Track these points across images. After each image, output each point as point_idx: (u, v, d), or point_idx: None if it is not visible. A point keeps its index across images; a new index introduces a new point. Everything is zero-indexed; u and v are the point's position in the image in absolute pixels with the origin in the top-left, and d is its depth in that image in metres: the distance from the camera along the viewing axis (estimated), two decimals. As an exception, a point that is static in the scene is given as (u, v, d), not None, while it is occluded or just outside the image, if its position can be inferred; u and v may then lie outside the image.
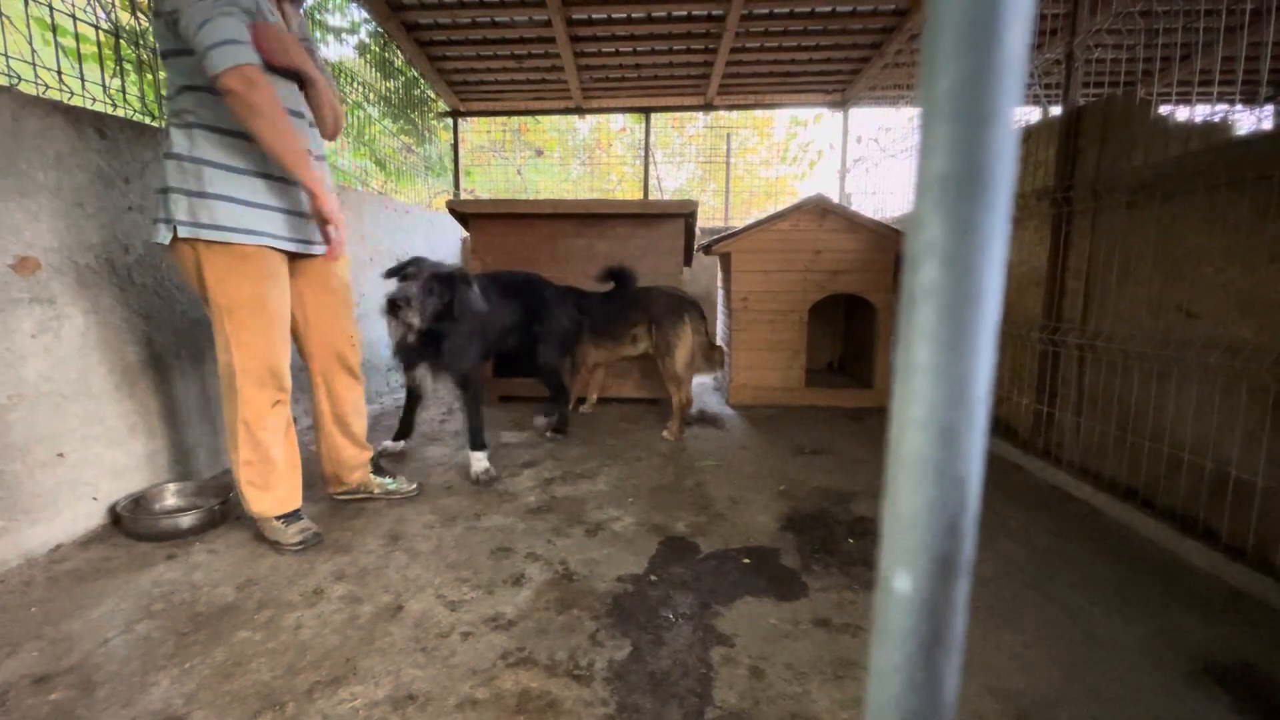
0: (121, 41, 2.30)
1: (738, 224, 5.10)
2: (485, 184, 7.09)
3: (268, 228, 1.69)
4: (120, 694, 1.21)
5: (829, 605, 1.54)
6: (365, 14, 4.29)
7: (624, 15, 4.08)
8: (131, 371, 2.03)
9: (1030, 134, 2.64)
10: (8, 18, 1.87)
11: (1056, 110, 2.54)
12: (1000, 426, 2.85)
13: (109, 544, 1.82)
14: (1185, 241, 1.93)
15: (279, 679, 1.26)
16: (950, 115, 0.21)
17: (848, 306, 4.22)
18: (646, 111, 5.70)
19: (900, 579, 0.23)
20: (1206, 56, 3.59)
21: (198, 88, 1.58)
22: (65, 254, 1.82)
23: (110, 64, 2.27)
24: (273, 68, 1.62)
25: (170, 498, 2.05)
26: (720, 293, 4.16)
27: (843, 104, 5.41)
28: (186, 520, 1.87)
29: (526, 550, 1.81)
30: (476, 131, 6.84)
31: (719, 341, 4.18)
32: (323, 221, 1.73)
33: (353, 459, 2.12)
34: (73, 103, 1.92)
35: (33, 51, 1.93)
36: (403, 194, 5.30)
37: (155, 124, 2.32)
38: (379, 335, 3.57)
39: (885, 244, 3.47)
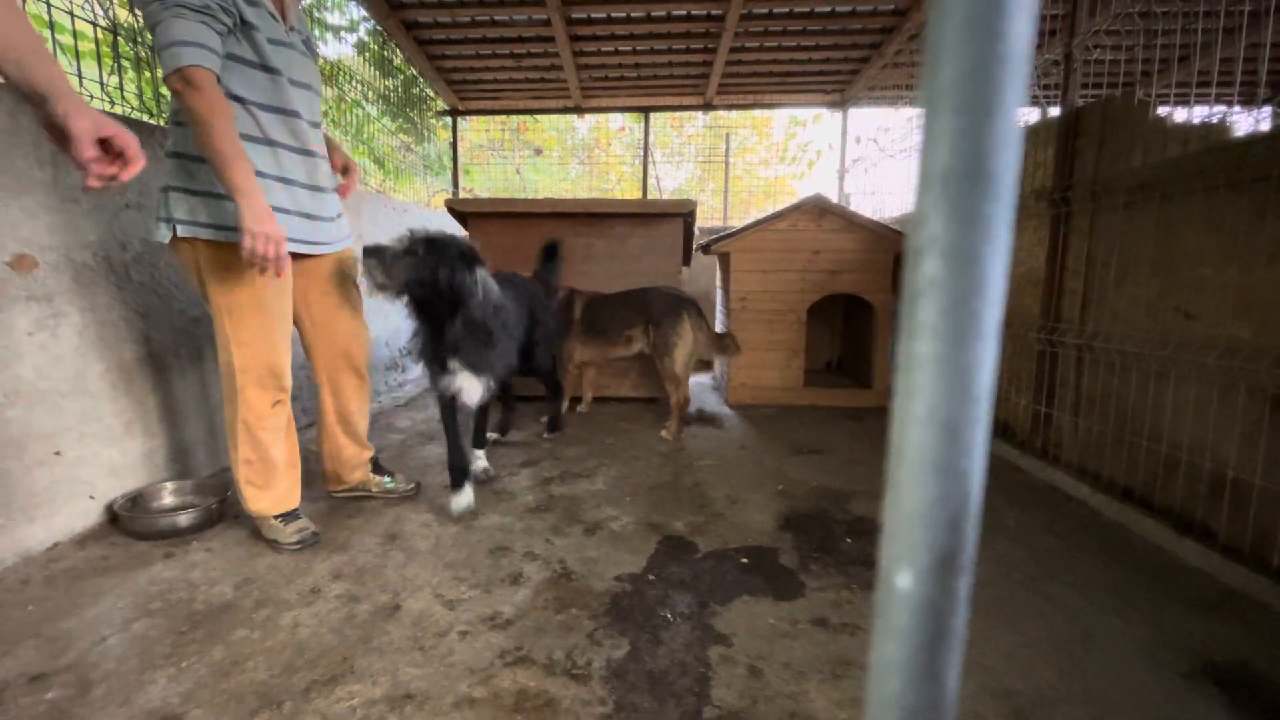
0: (119, 39, 2.29)
1: (736, 224, 5.10)
2: (484, 183, 7.08)
3: None
4: (117, 693, 1.21)
5: (827, 605, 1.54)
6: (364, 12, 4.28)
7: (623, 14, 4.08)
8: (129, 369, 2.03)
9: (1029, 135, 2.64)
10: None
11: (1055, 111, 2.54)
12: (998, 426, 2.86)
13: (106, 542, 1.82)
14: (1183, 242, 1.93)
15: (276, 678, 1.26)
16: (953, 108, 0.21)
17: (846, 306, 4.22)
18: (645, 111, 5.70)
19: (902, 576, 0.23)
20: (1205, 58, 3.60)
21: None
22: (62, 251, 1.82)
23: (108, 61, 2.26)
24: (251, 62, 1.60)
25: (168, 496, 2.05)
26: (719, 292, 4.16)
27: (842, 104, 5.42)
28: (184, 519, 1.87)
29: (524, 549, 1.81)
30: (475, 130, 6.84)
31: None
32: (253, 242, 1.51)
33: (354, 458, 2.12)
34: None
35: (30, 48, 1.92)
36: (401, 193, 5.29)
37: (154, 122, 2.32)
38: (377, 335, 3.57)
39: (884, 244, 3.47)
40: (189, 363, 2.27)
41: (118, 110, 2.18)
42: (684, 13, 4.06)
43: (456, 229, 4.93)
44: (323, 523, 1.96)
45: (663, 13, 4.06)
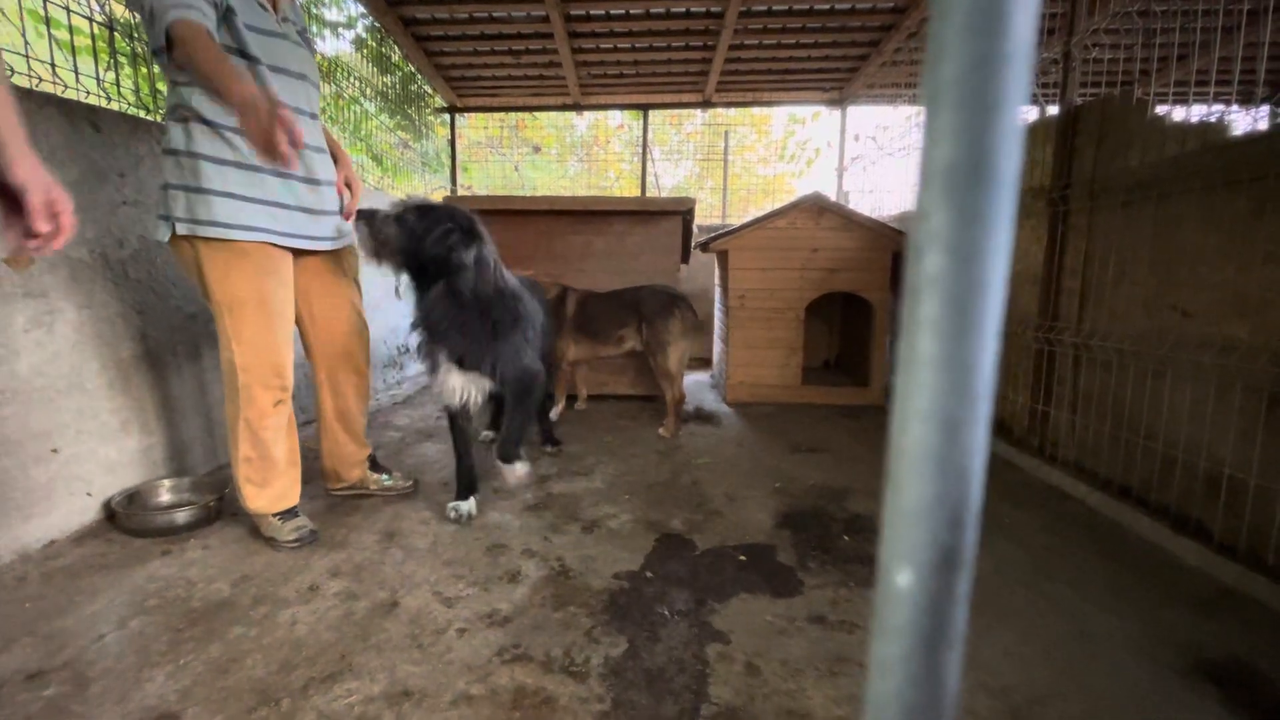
0: (116, 34, 2.28)
1: (735, 221, 5.10)
2: (482, 180, 7.07)
3: (267, 224, 1.68)
4: (114, 690, 1.21)
5: (825, 602, 1.54)
6: (362, 9, 4.26)
7: (622, 11, 4.07)
8: (125, 367, 2.02)
9: (1028, 133, 2.64)
10: (0, 10, 1.86)
11: (1054, 110, 2.54)
12: (996, 425, 2.86)
13: (103, 540, 1.81)
14: (1181, 241, 1.93)
15: (274, 675, 1.26)
16: (955, 104, 0.21)
17: (844, 305, 4.23)
18: (644, 108, 5.69)
19: (902, 573, 0.23)
20: (1203, 56, 3.60)
21: (193, 83, 1.56)
22: (59, 249, 1.81)
23: (104, 57, 2.25)
24: (232, 49, 1.58)
25: (165, 493, 2.04)
26: (717, 290, 4.16)
27: (840, 102, 5.41)
28: (181, 516, 1.87)
29: (522, 547, 1.81)
30: (474, 127, 6.82)
31: (716, 339, 4.19)
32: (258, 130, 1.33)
33: (353, 456, 2.11)
34: (66, 96, 1.91)
35: (25, 44, 1.91)
36: (399, 190, 5.28)
37: (150, 118, 2.31)
38: (375, 332, 3.56)
39: (882, 242, 3.47)
40: (186, 360, 2.26)
41: (115, 107, 2.17)
42: (683, 10, 4.05)
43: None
44: (321, 520, 1.95)
45: (662, 9, 4.05)
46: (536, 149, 7.77)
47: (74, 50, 2.08)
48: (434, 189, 5.81)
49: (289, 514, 1.82)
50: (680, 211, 3.51)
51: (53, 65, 1.97)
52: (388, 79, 4.99)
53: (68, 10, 2.06)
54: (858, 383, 3.78)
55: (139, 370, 2.07)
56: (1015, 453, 2.60)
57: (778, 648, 1.36)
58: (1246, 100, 3.33)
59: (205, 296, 1.69)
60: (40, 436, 1.75)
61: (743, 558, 1.77)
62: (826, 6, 4.02)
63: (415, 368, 4.38)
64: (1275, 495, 1.57)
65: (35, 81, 1.89)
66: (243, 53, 1.60)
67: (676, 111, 6.88)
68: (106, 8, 2.23)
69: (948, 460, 0.22)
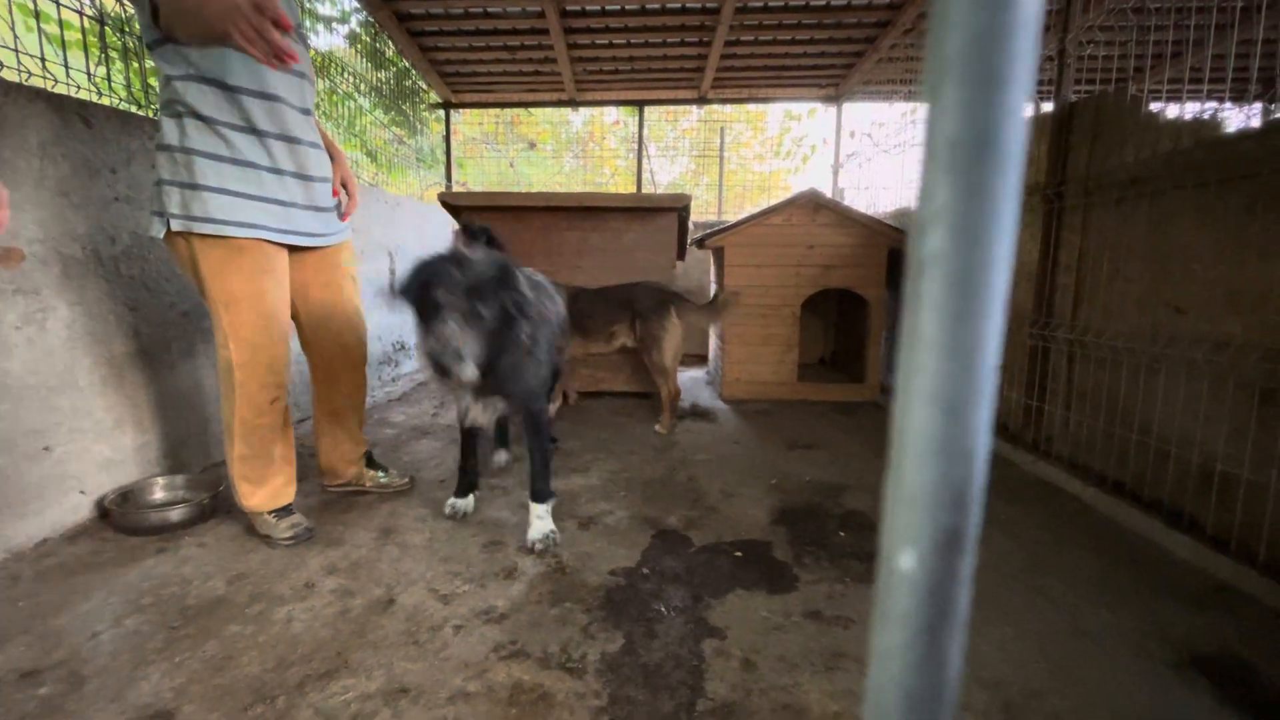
0: (106, 28, 2.26)
1: (731, 218, 5.10)
2: (478, 176, 7.04)
3: (263, 220, 1.67)
4: (109, 688, 1.20)
5: (820, 597, 1.55)
6: (356, 3, 4.24)
7: (618, 7, 4.06)
8: (119, 364, 2.01)
9: (1022, 130, 2.64)
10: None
11: (1049, 106, 2.55)
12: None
13: (97, 538, 1.80)
14: (1174, 238, 1.94)
15: (270, 672, 1.25)
16: (960, 78, 0.20)
17: (840, 301, 4.23)
18: (640, 105, 5.67)
19: (904, 557, 0.23)
20: (1197, 54, 3.61)
21: (187, 77, 1.55)
22: (50, 245, 1.79)
23: (95, 51, 2.23)
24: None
25: (159, 491, 2.03)
26: (713, 287, 4.16)
27: (836, 98, 5.41)
28: (175, 514, 1.86)
29: (518, 543, 1.81)
30: (469, 123, 6.79)
31: (711, 336, 4.19)
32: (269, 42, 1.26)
33: (349, 453, 2.11)
34: (56, 90, 1.89)
35: (15, 37, 1.90)
36: (394, 186, 5.26)
37: (142, 113, 2.29)
38: (372, 330, 3.55)
39: (877, 239, 3.47)
40: (180, 357, 2.25)
41: (105, 101, 2.15)
42: (679, 5, 4.04)
43: (448, 221, 4.92)
44: (317, 518, 1.95)
45: (657, 5, 4.04)
46: (532, 145, 7.75)
47: (64, 44, 2.06)
48: (429, 185, 5.79)
49: (284, 511, 1.82)
50: (676, 208, 3.51)
51: (42, 59, 1.95)
52: (382, 74, 4.96)
53: (57, 3, 2.04)
54: (853, 379, 3.79)
55: (132, 368, 2.06)
56: (1010, 448, 2.61)
57: (773, 643, 1.37)
58: (1239, 97, 3.34)
59: (200, 293, 1.68)
60: (32, 434, 1.74)
61: (739, 554, 1.77)
62: (822, 2, 4.02)
63: (411, 364, 4.37)
64: (1266, 490, 1.59)
65: (25, 76, 1.87)
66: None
67: (672, 108, 6.87)
68: (97, 1, 2.21)
69: (951, 442, 0.22)
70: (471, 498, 2.03)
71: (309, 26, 4.43)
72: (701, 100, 5.54)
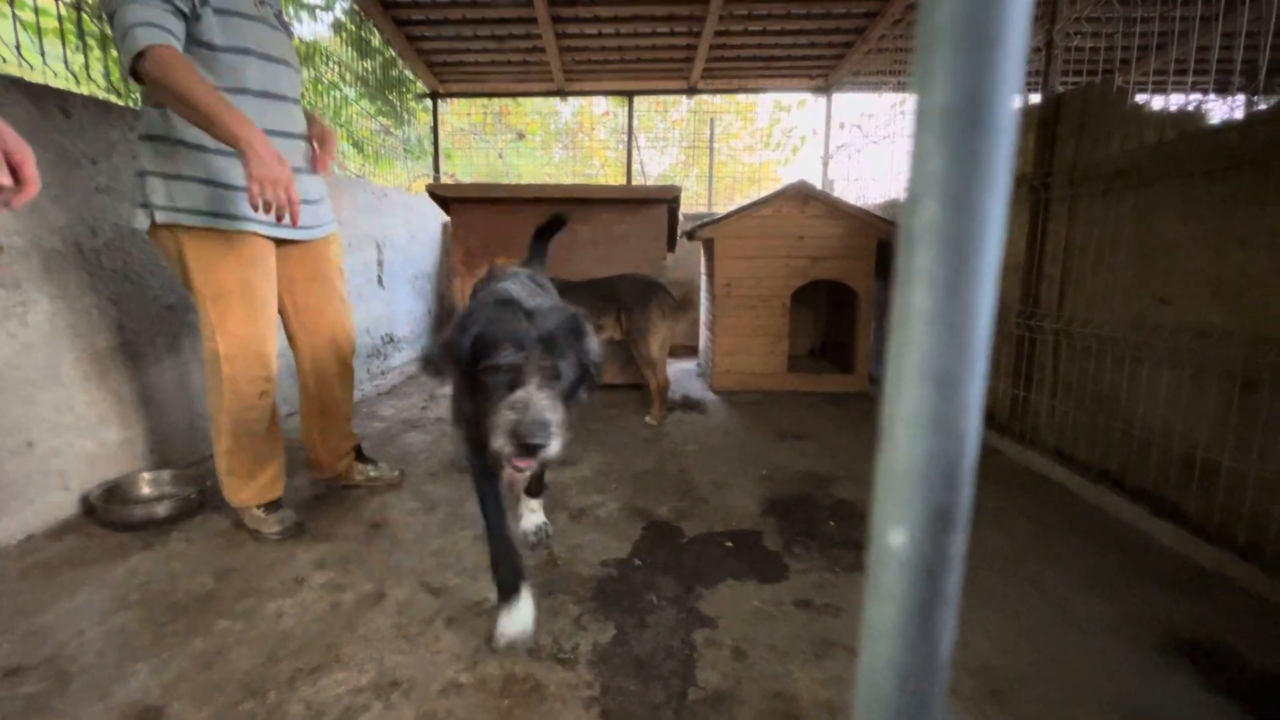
0: (84, 15, 2.21)
1: (721, 210, 5.09)
2: (466, 167, 6.98)
3: (252, 212, 1.64)
4: (96, 685, 1.19)
5: (810, 586, 1.56)
6: (340, -9, 4.18)
7: (607, -4, 4.02)
8: (102, 358, 1.98)
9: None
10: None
11: (1036, 98, 2.56)
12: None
13: (82, 534, 1.78)
14: (1159, 228, 1.96)
15: (260, 668, 1.25)
16: (952, 42, 0.20)
17: (829, 292, 4.25)
18: (630, 95, 5.64)
19: (895, 534, 0.23)
20: (1182, 45, 3.64)
21: None
22: (30, 237, 1.76)
23: (72, 39, 2.18)
24: (213, 44, 1.55)
25: (145, 486, 2.01)
26: (703, 279, 4.16)
27: (826, 89, 5.41)
28: (162, 509, 1.84)
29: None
30: (456, 114, 6.72)
31: (702, 327, 4.19)
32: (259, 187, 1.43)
33: (339, 446, 2.09)
34: (33, 79, 1.85)
35: (-11, 25, 1.85)
36: (381, 177, 5.20)
37: (122, 102, 2.25)
38: (360, 322, 3.52)
39: (867, 230, 3.48)
40: (165, 351, 2.22)
41: (84, 90, 2.11)
42: (668, -5, 4.01)
43: (437, 213, 4.87)
44: (306, 512, 1.94)
45: (646, -5, 4.01)
46: (520, 136, 7.69)
47: (39, 32, 2.01)
48: (417, 176, 5.73)
49: (273, 506, 1.80)
50: (666, 199, 3.50)
51: (18, 47, 1.91)
52: (368, 64, 4.89)
53: (33, -10, 1.99)
54: (843, 370, 3.81)
55: (116, 362, 2.03)
56: (996, 438, 2.64)
57: (764, 632, 1.38)
58: (1223, 89, 3.38)
59: (186, 286, 1.65)
60: (15, 430, 1.72)
61: (729, 544, 1.78)
62: (812, -8, 4.00)
63: (400, 358, 4.34)
64: (1247, 477, 1.61)
65: None
66: (211, 45, 1.56)
67: (662, 98, 6.83)
68: (74, -12, 2.16)
69: (943, 418, 0.22)
70: (526, 599, 1.36)
71: (291, 15, 4.36)
72: (691, 90, 5.52)
